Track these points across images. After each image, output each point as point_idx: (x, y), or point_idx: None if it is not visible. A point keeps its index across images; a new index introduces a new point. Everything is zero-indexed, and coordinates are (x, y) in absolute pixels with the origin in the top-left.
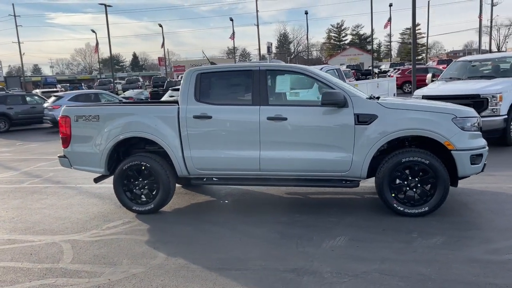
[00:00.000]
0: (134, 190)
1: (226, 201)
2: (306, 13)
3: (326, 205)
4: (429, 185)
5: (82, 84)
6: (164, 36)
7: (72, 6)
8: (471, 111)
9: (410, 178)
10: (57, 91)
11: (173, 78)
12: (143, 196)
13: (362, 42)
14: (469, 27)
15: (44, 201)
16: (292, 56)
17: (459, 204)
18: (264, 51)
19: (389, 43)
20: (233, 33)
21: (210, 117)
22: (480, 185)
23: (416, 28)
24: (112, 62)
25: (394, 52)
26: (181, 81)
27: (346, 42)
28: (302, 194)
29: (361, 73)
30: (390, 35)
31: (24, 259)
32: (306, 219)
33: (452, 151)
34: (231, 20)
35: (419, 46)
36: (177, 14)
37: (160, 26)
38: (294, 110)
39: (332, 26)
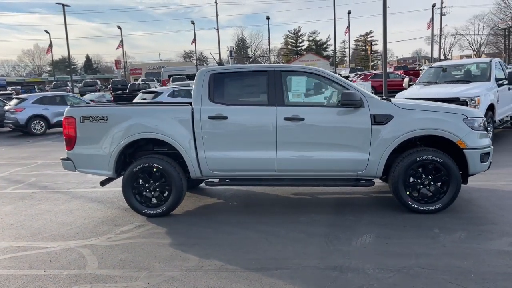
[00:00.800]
0: (145, 193)
1: (235, 203)
2: (268, 18)
3: (338, 205)
4: (442, 183)
5: (35, 86)
6: (122, 38)
7: (18, 5)
8: (478, 112)
9: (424, 176)
10: (11, 94)
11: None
12: (154, 199)
13: (318, 48)
14: (417, 35)
15: (38, 206)
16: (249, 61)
17: (464, 201)
18: (223, 55)
19: (344, 50)
20: (195, 37)
21: (225, 118)
22: (474, 183)
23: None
24: (70, 64)
25: (347, 58)
26: (194, 82)
27: (303, 47)
28: (308, 194)
29: None
30: (349, 42)
31: (45, 266)
32: (324, 218)
33: (464, 150)
34: (193, 23)
35: (373, 52)
36: (132, 16)
37: (119, 28)
38: (311, 111)
39: (290, 32)
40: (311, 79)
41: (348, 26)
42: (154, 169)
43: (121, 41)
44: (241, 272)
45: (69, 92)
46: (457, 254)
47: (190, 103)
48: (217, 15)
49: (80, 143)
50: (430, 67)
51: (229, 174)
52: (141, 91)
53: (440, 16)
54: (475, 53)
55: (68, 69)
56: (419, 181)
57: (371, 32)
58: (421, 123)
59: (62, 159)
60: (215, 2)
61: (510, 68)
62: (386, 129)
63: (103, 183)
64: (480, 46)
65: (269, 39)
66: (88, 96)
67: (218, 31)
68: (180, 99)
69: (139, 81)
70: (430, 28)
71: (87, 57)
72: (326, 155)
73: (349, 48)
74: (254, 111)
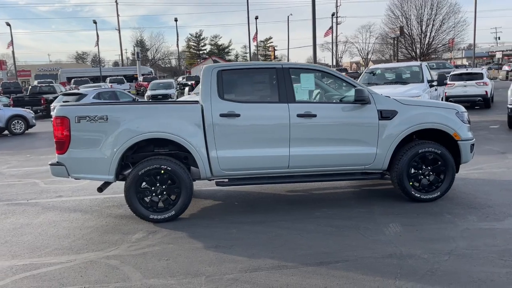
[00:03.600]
0: (151, 197)
1: (236, 203)
2: (176, 20)
3: (339, 199)
4: (440, 173)
5: None
6: (12, 36)
7: None
8: (463, 107)
9: (424, 167)
10: None
11: (31, 84)
12: (160, 203)
13: (220, 52)
14: (311, 43)
15: (9, 220)
16: (149, 64)
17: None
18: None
19: (245, 54)
20: (98, 38)
21: (238, 115)
22: None
23: (269, 41)
24: None
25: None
26: (201, 78)
27: (205, 51)
28: (302, 191)
29: None
30: (257, 47)
31: (80, 282)
32: (338, 212)
33: (458, 141)
34: (95, 23)
35: (273, 59)
36: (10, 13)
37: (8, 24)
38: (322, 107)
39: (191, 35)
40: (318, 76)
41: (256, 32)
42: (162, 171)
43: (11, 40)
44: (304, 268)
45: None
46: (484, 235)
47: (196, 101)
48: (118, 15)
49: (75, 146)
50: (366, 70)
51: (241, 173)
52: (61, 93)
53: (336, 24)
54: (363, 60)
55: None
56: (420, 172)
57: (270, 38)
58: (423, 118)
59: (51, 164)
60: (116, 1)
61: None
62: (392, 124)
63: (101, 189)
64: (367, 53)
65: (177, 42)
66: None
67: (119, 32)
68: (104, 101)
69: (35, 83)
70: (329, 35)
71: None
72: (337, 150)
73: (257, 53)
74: (267, 108)
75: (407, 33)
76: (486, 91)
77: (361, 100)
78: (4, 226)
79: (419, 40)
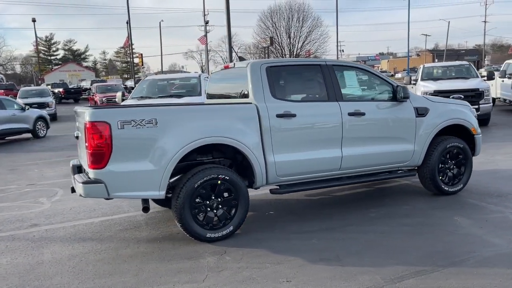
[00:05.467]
0: (207, 213)
1: (272, 212)
2: (34, 20)
3: (367, 199)
4: (461, 165)
5: None
6: None
7: None
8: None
9: (449, 161)
10: None
11: None
12: (216, 218)
13: (76, 58)
14: (175, 50)
15: (9, 260)
16: None
17: None
18: None
19: (104, 61)
20: None
21: (294, 115)
22: None
23: (131, 48)
24: None
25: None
26: (249, 76)
27: (57, 56)
28: (320, 194)
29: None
30: (128, 53)
31: None
32: (387, 211)
33: (475, 135)
34: None
35: (135, 65)
36: None
37: None
38: (368, 105)
39: (40, 39)
40: (359, 74)
41: (129, 37)
42: (219, 182)
43: None
44: (444, 269)
45: None
46: None
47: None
48: None
49: (117, 158)
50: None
51: (296, 179)
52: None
53: (205, 32)
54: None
55: None
56: (446, 166)
57: (132, 44)
58: (451, 114)
59: (85, 183)
60: None
61: None
62: (427, 121)
63: (147, 209)
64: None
65: (37, 44)
66: None
67: None
68: None
69: None
70: (204, 44)
71: None
72: (382, 148)
73: (131, 60)
74: (321, 107)
75: (278, 42)
76: None
77: (406, 97)
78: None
79: (289, 50)
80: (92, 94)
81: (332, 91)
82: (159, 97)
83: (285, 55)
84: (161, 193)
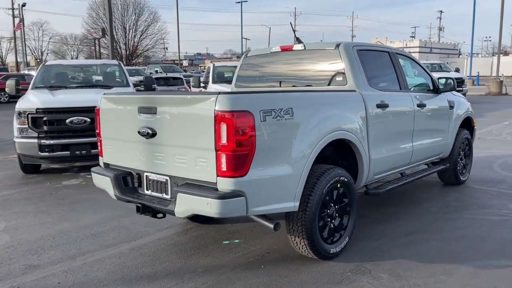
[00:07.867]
0: (328, 225)
1: None
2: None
3: (397, 196)
4: (467, 156)
5: None
6: None
7: None
8: None
9: (462, 152)
10: None
11: None
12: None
13: None
14: None
15: None
16: None
17: None
18: None
19: None
20: None
21: (387, 106)
22: None
23: None
24: None
25: None
26: (345, 59)
27: None
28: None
29: None
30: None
31: None
32: (439, 206)
33: (474, 127)
34: None
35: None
36: None
37: None
38: (425, 96)
39: None
40: (410, 64)
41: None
42: (339, 185)
43: None
44: None
45: None
46: None
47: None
48: None
49: (259, 160)
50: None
51: (381, 177)
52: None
53: (13, 17)
54: (38, 60)
55: None
56: (461, 156)
57: None
58: (465, 107)
59: (222, 198)
60: None
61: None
62: (455, 113)
63: (278, 225)
64: (42, 53)
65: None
66: None
67: None
68: None
69: None
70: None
71: None
72: (433, 140)
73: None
74: (402, 98)
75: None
76: None
77: (446, 90)
78: None
79: (124, 43)
80: None
81: (402, 80)
82: (77, 87)
83: (120, 48)
84: (296, 204)
